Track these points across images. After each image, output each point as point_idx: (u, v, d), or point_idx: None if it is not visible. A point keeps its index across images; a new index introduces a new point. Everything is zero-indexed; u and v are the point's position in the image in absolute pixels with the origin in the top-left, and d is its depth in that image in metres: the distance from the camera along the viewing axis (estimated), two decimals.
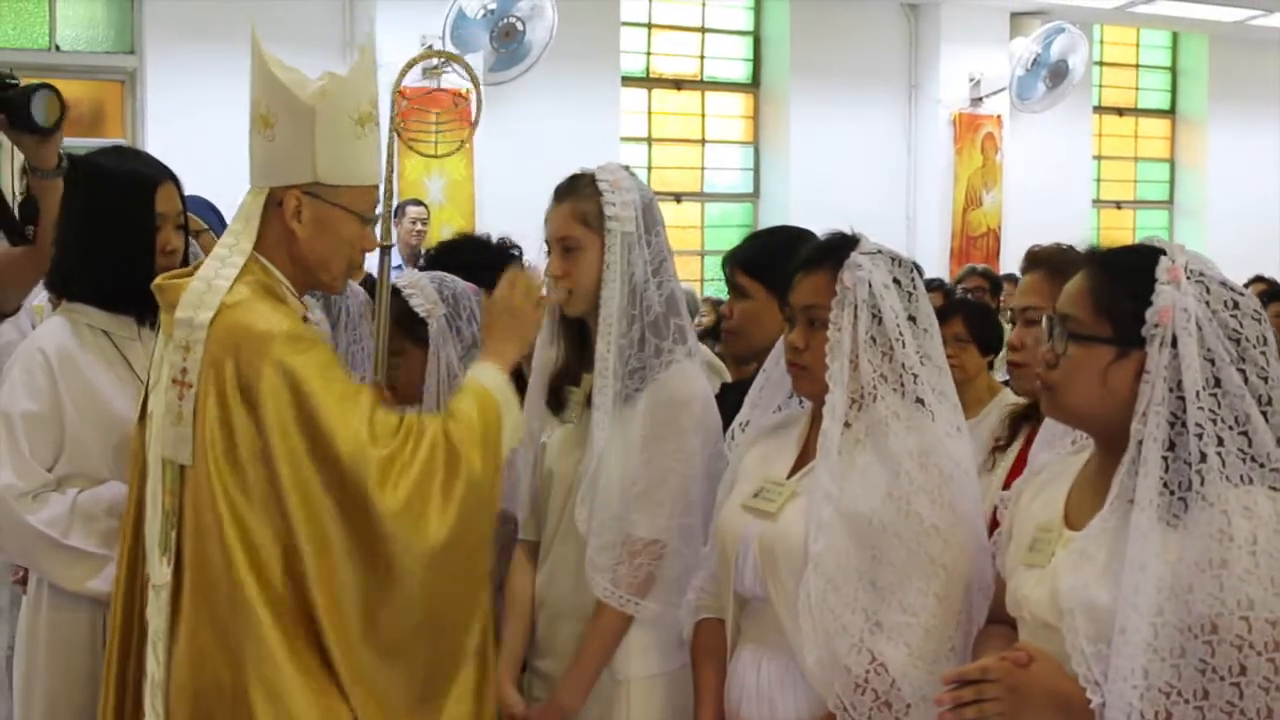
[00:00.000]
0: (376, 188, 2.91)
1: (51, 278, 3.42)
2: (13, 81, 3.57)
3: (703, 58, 12.63)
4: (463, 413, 2.79)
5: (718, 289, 11.93)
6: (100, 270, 3.28)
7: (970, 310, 5.50)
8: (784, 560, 2.72)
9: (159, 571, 2.74)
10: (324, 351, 2.73)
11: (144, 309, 3.24)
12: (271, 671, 2.62)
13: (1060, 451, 2.67)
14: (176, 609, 2.71)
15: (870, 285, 2.72)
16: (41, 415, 3.20)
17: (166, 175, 3.34)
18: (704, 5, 12.55)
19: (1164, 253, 2.37)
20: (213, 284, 2.71)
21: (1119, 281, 2.37)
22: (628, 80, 11.95)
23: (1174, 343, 2.28)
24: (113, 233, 3.27)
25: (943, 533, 2.64)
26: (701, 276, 12.55)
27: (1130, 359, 2.33)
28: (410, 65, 3.59)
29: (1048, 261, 3.35)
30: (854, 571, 2.64)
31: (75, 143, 3.88)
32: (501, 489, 2.85)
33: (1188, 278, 2.32)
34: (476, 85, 3.16)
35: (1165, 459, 2.27)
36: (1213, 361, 2.27)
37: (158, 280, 2.85)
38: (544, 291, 3.01)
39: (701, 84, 12.63)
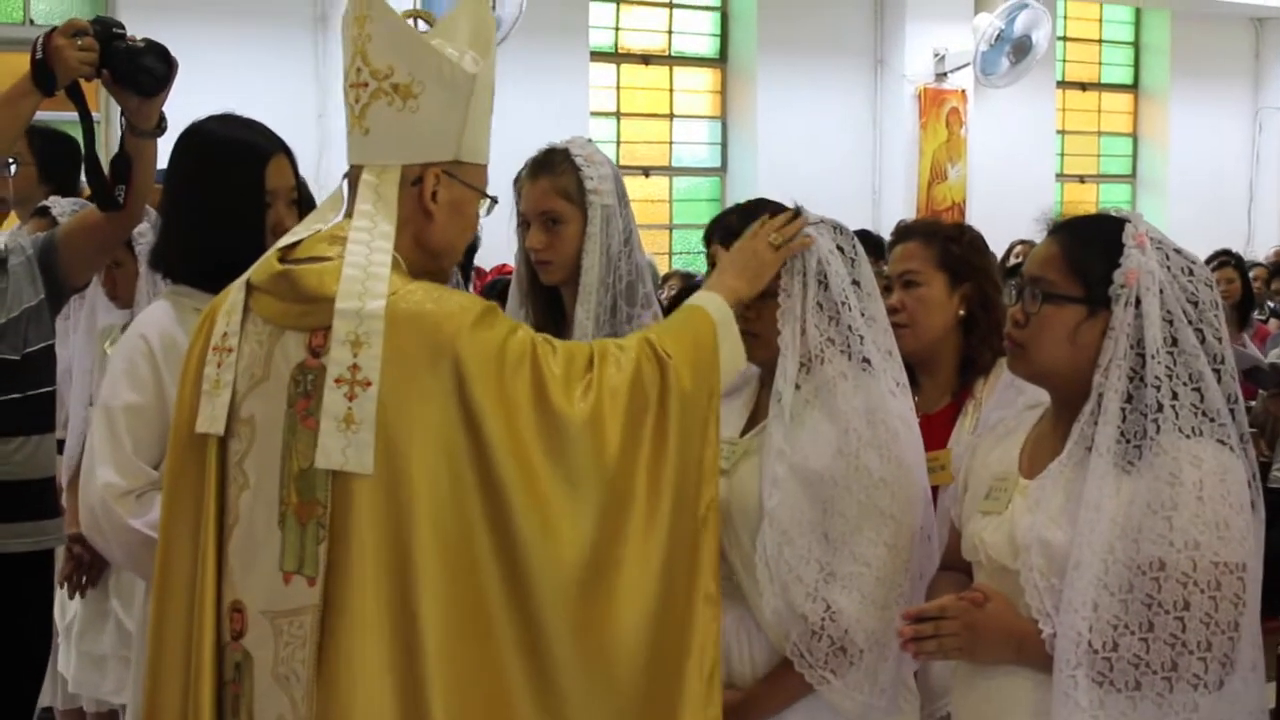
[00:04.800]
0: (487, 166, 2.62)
1: (156, 255, 3.23)
2: (120, 33, 3.37)
3: (670, 33, 12.67)
4: (669, 327, 2.64)
5: (685, 261, 12.02)
6: (206, 248, 3.03)
7: None
8: (739, 515, 2.82)
9: (290, 594, 2.35)
10: (511, 326, 2.45)
11: None
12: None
13: (1015, 408, 2.82)
14: (323, 637, 2.32)
15: (817, 254, 2.83)
16: (145, 407, 2.96)
17: (279, 147, 3.12)
18: None
19: (1127, 220, 2.53)
20: (370, 270, 2.37)
21: (1089, 245, 2.52)
22: (596, 55, 12.00)
23: (1138, 303, 2.44)
24: (220, 207, 3.02)
25: (890, 485, 2.75)
26: (670, 250, 12.62)
27: (1098, 318, 2.48)
28: None
29: (921, 231, 3.54)
30: (807, 525, 2.75)
31: (46, 115, 3.83)
32: (719, 417, 2.63)
33: (1150, 244, 2.48)
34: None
35: (1123, 409, 2.43)
36: (1171, 322, 2.44)
37: (275, 265, 2.48)
38: (777, 241, 2.80)
39: (669, 59, 12.68)
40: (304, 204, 3.14)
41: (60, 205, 4.35)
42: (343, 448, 2.29)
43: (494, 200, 2.62)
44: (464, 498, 2.32)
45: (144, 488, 2.93)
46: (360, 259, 2.37)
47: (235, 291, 2.52)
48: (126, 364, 3.02)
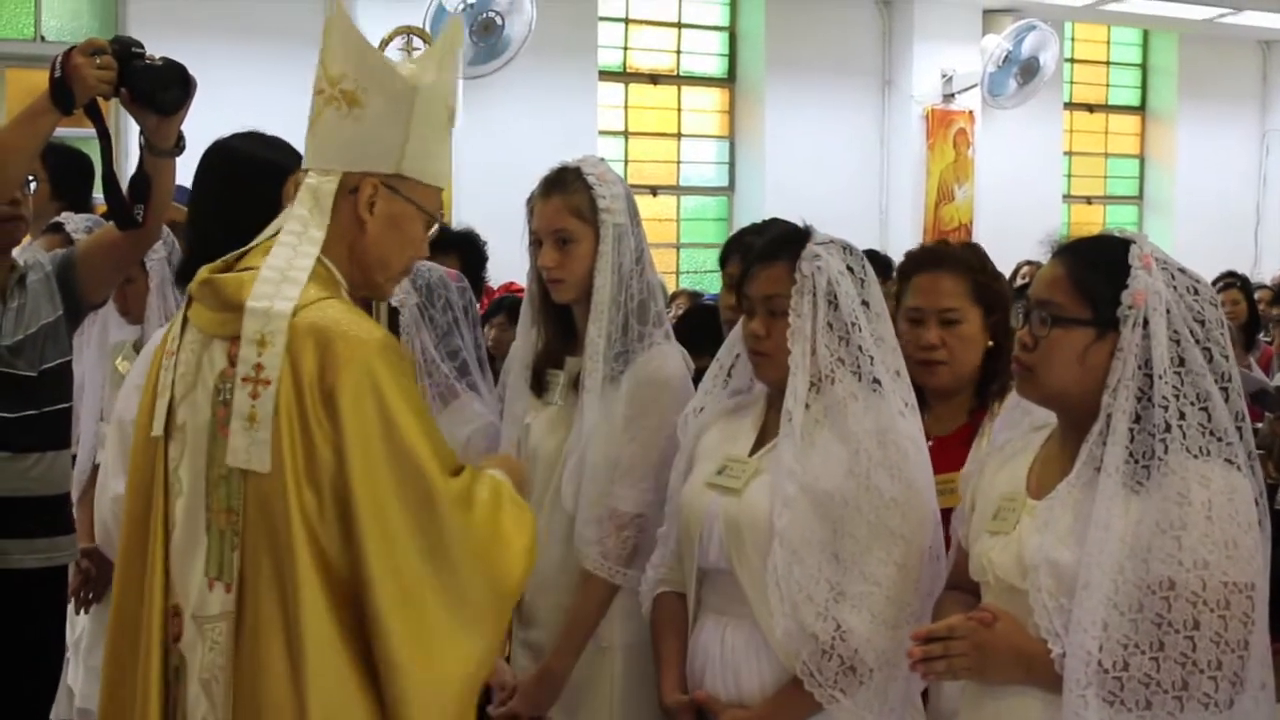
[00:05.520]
0: (442, 191, 2.62)
1: (182, 271, 3.20)
2: (139, 52, 3.37)
3: (679, 53, 12.68)
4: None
5: (693, 280, 12.04)
6: None
7: None
8: (749, 533, 2.83)
9: (212, 600, 2.39)
10: (411, 371, 2.50)
11: None
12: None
13: (1021, 429, 2.82)
14: (237, 642, 2.36)
15: (827, 274, 2.85)
16: None
17: (300, 164, 3.02)
18: (680, 1, 12.63)
19: (1132, 242, 2.54)
20: (287, 274, 2.38)
21: (1096, 268, 2.53)
22: (605, 75, 12.02)
23: (1145, 324, 2.45)
24: (240, 225, 2.88)
25: (901, 505, 2.78)
26: (677, 269, 12.62)
27: (1106, 340, 2.48)
28: (386, 43, 3.58)
29: (949, 261, 3.39)
30: (817, 545, 2.77)
31: (61, 132, 3.83)
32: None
33: (1156, 264, 2.49)
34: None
35: (1131, 430, 2.44)
36: (1178, 342, 2.45)
37: (205, 273, 2.52)
38: None
39: (678, 79, 12.69)
40: None
41: (74, 221, 4.36)
42: (246, 446, 2.33)
43: (437, 220, 2.62)
44: (333, 526, 2.33)
45: None
46: (281, 262, 2.41)
47: (183, 302, 2.58)
48: (139, 377, 3.03)
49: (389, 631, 2.31)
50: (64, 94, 3.31)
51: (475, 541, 2.40)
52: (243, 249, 2.55)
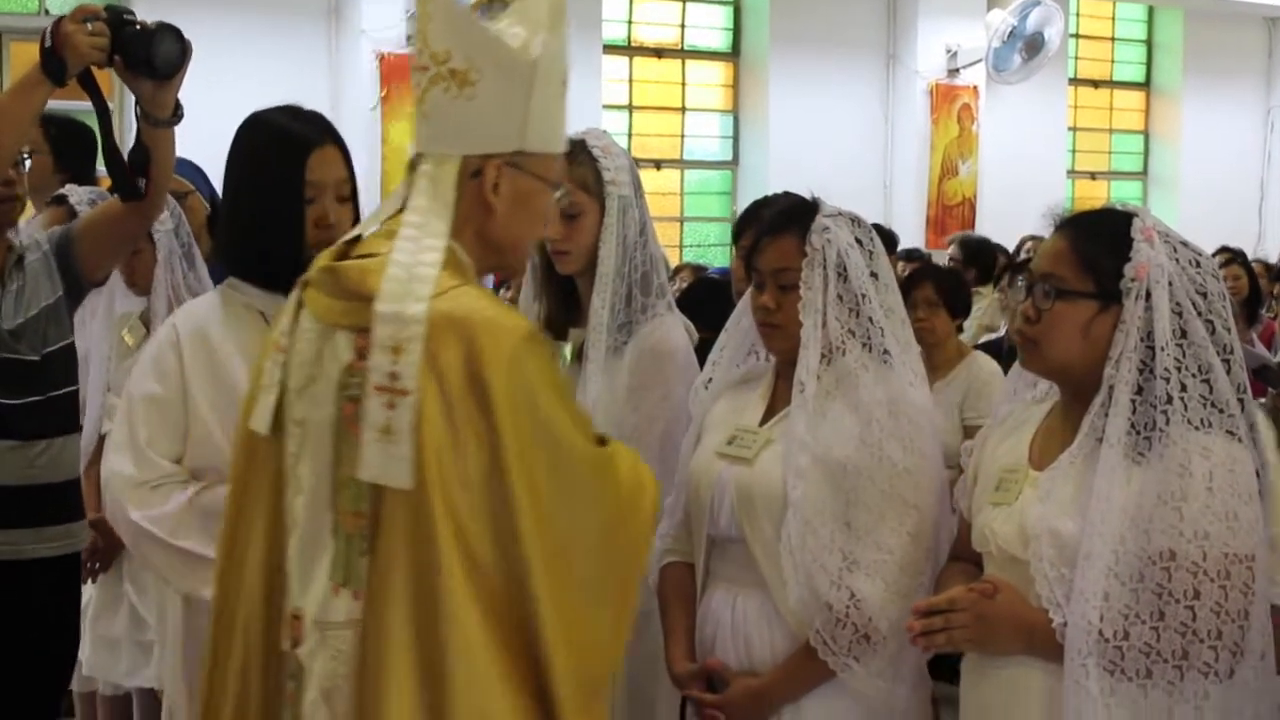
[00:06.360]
0: (563, 154, 2.46)
1: (215, 249, 3.11)
2: (131, 19, 3.23)
3: (683, 26, 12.68)
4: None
5: (696, 254, 12.06)
6: (251, 242, 2.93)
7: (940, 275, 5.67)
8: (761, 503, 2.84)
9: (337, 606, 2.27)
10: (554, 357, 2.37)
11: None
12: None
13: (1023, 401, 2.82)
14: (364, 653, 2.25)
15: (837, 246, 2.85)
16: (164, 399, 2.89)
17: (329, 138, 2.97)
18: None
19: (1134, 215, 2.55)
20: (415, 271, 2.23)
21: (1099, 241, 2.53)
22: (609, 48, 12.02)
23: (1148, 296, 2.46)
24: (261, 200, 2.91)
25: (913, 475, 2.79)
26: (680, 242, 12.64)
27: (1109, 312, 2.49)
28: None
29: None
30: (830, 514, 2.78)
31: (64, 105, 3.77)
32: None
33: (1158, 237, 2.51)
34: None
35: (1133, 401, 2.45)
36: (1180, 314, 2.46)
37: (324, 259, 2.39)
38: None
39: (682, 52, 12.70)
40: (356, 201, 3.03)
41: (78, 194, 4.34)
42: (382, 460, 2.19)
43: (562, 190, 2.47)
44: (485, 524, 2.21)
45: (157, 480, 2.87)
46: (406, 258, 2.24)
47: (295, 288, 2.43)
48: (155, 353, 2.96)
49: (546, 615, 2.20)
50: (56, 64, 3.21)
51: (619, 513, 2.33)
52: (355, 233, 2.43)
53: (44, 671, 3.63)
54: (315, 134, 2.95)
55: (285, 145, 2.92)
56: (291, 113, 3.02)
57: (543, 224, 2.49)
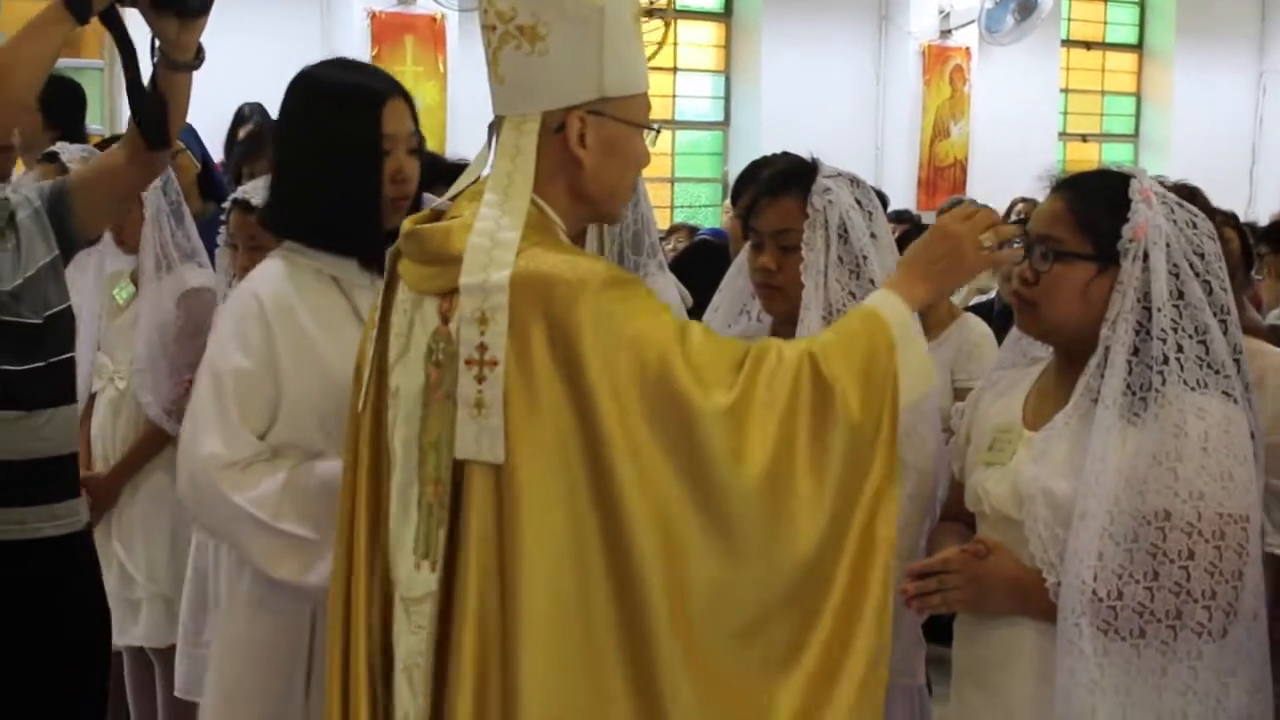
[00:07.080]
0: (647, 92, 2.38)
1: (266, 212, 3.02)
2: None
3: None
4: (836, 339, 2.31)
5: (687, 215, 12.03)
6: (320, 201, 2.82)
7: None
8: None
9: (419, 580, 2.25)
10: (648, 291, 2.25)
11: (370, 250, 2.73)
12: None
13: (1017, 363, 2.82)
14: (445, 629, 2.21)
15: (839, 207, 2.84)
16: (253, 373, 2.75)
17: (396, 90, 2.88)
18: None
19: (1131, 176, 2.54)
20: (497, 238, 2.17)
21: (1097, 202, 2.52)
22: None
23: (1145, 257, 2.45)
24: (334, 155, 2.79)
25: (913, 436, 2.77)
26: (671, 203, 12.62)
27: (1107, 274, 2.49)
28: None
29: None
30: None
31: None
32: (894, 448, 2.33)
33: (1155, 198, 2.50)
34: None
35: (1130, 362, 2.45)
36: (1177, 275, 2.45)
37: (410, 224, 2.34)
38: (988, 243, 2.45)
39: (674, 13, 12.65)
40: (423, 156, 2.94)
41: (69, 151, 4.30)
42: (476, 435, 2.14)
43: (658, 130, 2.38)
44: (573, 495, 2.14)
45: (249, 459, 2.74)
46: (489, 224, 2.19)
47: (388, 260, 2.40)
48: (236, 324, 2.80)
49: (653, 584, 2.13)
50: (79, 0, 3.00)
51: (757, 493, 2.18)
52: (440, 201, 2.39)
53: (81, 656, 3.34)
54: (384, 85, 2.88)
55: (357, 99, 2.82)
56: (354, 66, 2.97)
57: (636, 169, 2.42)
